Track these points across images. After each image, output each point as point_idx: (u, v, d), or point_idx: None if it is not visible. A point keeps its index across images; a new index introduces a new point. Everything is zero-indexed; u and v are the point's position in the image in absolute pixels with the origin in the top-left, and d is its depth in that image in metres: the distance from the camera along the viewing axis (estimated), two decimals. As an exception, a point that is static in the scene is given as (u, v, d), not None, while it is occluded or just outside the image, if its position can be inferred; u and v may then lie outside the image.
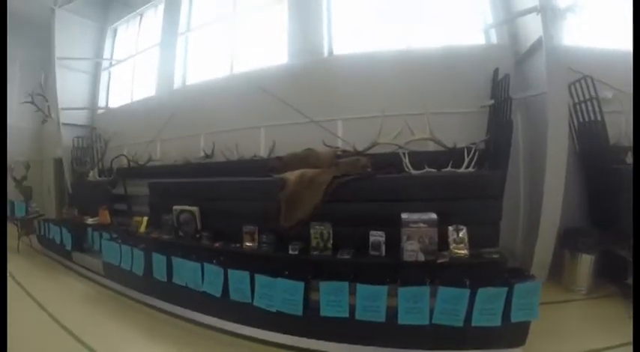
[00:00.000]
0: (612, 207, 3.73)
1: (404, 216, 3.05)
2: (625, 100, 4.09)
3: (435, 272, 3.02)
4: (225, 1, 5.79)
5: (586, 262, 3.69)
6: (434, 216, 3.04)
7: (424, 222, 3.04)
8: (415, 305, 2.76)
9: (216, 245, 3.58)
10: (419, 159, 3.49)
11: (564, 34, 3.98)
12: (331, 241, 3.26)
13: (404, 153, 3.33)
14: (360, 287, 2.82)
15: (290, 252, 3.32)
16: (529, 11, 3.66)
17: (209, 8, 6.04)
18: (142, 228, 3.92)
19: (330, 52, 4.78)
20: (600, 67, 3.98)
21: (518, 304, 2.71)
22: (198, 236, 3.68)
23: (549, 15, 3.49)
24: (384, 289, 2.77)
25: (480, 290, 2.69)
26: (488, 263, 3.11)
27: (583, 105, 3.92)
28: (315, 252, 3.28)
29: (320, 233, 3.28)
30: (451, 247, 3.12)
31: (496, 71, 3.99)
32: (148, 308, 3.62)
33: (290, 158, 3.77)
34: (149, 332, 3.33)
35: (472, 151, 3.32)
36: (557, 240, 3.73)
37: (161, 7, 6.40)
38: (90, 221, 4.43)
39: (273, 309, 3.03)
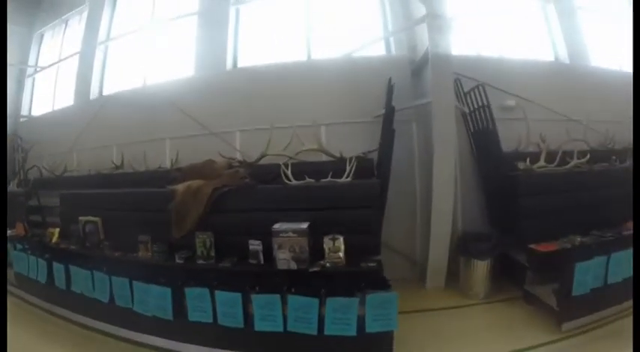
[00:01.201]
0: (509, 213, 3.91)
1: (275, 226, 3.32)
2: (527, 108, 4.33)
3: (310, 280, 3.28)
4: (144, 11, 6.18)
5: (481, 267, 3.91)
6: (304, 225, 3.31)
7: (294, 231, 3.30)
8: (270, 313, 3.04)
9: (116, 254, 3.93)
10: (311, 169, 3.78)
11: (464, 43, 4.22)
12: (214, 250, 3.56)
13: (286, 164, 3.61)
14: (219, 294, 3.13)
15: (177, 260, 3.64)
16: (420, 21, 3.89)
17: (129, 18, 6.44)
18: (54, 239, 4.32)
19: (235, 65, 5.11)
20: (503, 76, 4.19)
21: (373, 315, 2.94)
22: (101, 246, 4.04)
23: (435, 24, 3.71)
24: (238, 296, 3.07)
25: (329, 300, 2.95)
26: (362, 272, 3.34)
27: (477, 112, 4.12)
28: (200, 261, 3.59)
29: (203, 242, 3.59)
30: (326, 256, 3.38)
31: (389, 81, 4.24)
32: (50, 315, 4.00)
33: (188, 169, 4.10)
34: (45, 338, 3.70)
35: (352, 161, 3.56)
36: (453, 246, 3.93)
37: (85, 14, 6.75)
38: (8, 233, 4.85)
39: (150, 314, 3.36)
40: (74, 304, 3.88)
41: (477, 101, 4.11)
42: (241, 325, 3.09)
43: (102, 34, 6.40)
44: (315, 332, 2.96)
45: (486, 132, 4.01)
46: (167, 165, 4.72)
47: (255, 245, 3.45)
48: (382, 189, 3.65)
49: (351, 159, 3.59)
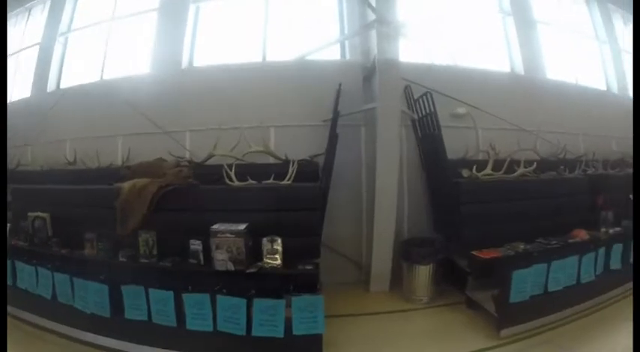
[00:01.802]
0: (452, 219, 4.04)
1: (214, 226, 3.46)
2: (480, 117, 4.48)
3: (247, 281, 3.42)
4: (106, 4, 6.20)
5: (423, 272, 4.06)
6: (241, 227, 3.44)
7: (231, 232, 3.43)
8: (199, 312, 3.17)
9: (63, 251, 4.05)
10: (258, 171, 3.91)
11: (420, 50, 4.36)
12: (156, 248, 3.69)
13: (230, 165, 3.73)
14: (152, 292, 3.26)
15: (120, 258, 3.77)
16: (369, 27, 4.01)
17: (91, 10, 6.42)
18: (6, 235, 4.43)
19: (191, 64, 5.26)
20: (456, 84, 4.35)
21: (300, 317, 3.10)
22: (49, 242, 4.16)
23: (383, 30, 3.84)
24: (170, 294, 3.20)
25: (256, 301, 3.09)
26: (299, 274, 3.48)
27: (425, 119, 4.25)
28: (142, 259, 3.72)
29: (146, 240, 3.72)
30: (264, 258, 3.52)
31: (340, 86, 4.36)
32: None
33: (137, 167, 4.22)
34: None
35: (294, 164, 3.69)
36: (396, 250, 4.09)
37: (49, 3, 6.69)
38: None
39: (88, 311, 3.49)
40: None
41: (425, 108, 4.24)
42: (174, 324, 3.22)
43: (63, 26, 6.41)
44: (243, 333, 3.11)
45: (432, 138, 4.14)
46: (118, 162, 4.84)
47: (195, 245, 3.58)
48: (323, 192, 3.77)
49: (293, 162, 3.70)
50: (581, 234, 4.32)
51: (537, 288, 3.68)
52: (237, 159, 3.99)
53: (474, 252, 3.85)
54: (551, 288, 3.74)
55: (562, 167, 4.68)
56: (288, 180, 3.69)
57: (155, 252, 3.70)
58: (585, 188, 4.65)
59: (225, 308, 3.12)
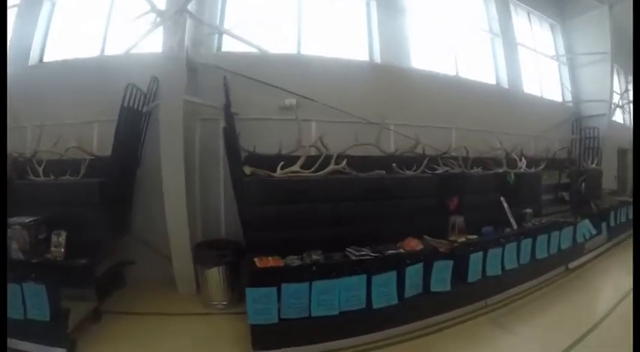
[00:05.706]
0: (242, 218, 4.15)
1: (11, 219, 4.29)
2: (307, 107, 4.67)
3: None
4: None
5: (213, 275, 4.23)
6: (27, 219, 4.22)
7: (18, 224, 4.22)
8: None
9: None
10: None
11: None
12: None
13: (39, 161, 4.53)
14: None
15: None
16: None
17: None
18: None
19: (40, 60, 5.89)
20: (291, 75, 4.70)
21: (30, 304, 3.65)
22: None
23: (154, 21, 4.14)
24: None
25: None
26: (74, 266, 4.10)
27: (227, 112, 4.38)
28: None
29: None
30: (52, 249, 4.24)
31: (153, 79, 4.75)
32: None
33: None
34: None
35: (85, 161, 4.35)
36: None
37: None
38: None
39: None
40: None
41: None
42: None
43: None
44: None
45: (229, 133, 4.23)
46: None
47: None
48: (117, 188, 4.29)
49: (85, 160, 4.33)
50: (412, 244, 3.95)
51: (297, 311, 3.53)
52: (61, 155, 4.73)
53: (255, 259, 3.85)
54: (315, 313, 3.55)
55: (394, 165, 4.29)
56: (78, 176, 4.32)
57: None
58: (432, 189, 4.27)
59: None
